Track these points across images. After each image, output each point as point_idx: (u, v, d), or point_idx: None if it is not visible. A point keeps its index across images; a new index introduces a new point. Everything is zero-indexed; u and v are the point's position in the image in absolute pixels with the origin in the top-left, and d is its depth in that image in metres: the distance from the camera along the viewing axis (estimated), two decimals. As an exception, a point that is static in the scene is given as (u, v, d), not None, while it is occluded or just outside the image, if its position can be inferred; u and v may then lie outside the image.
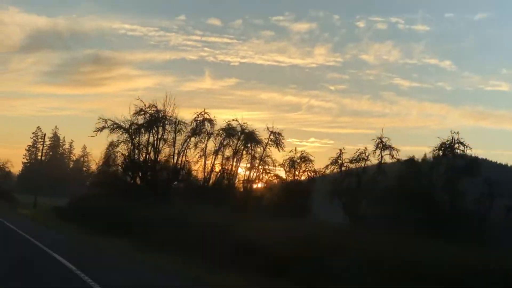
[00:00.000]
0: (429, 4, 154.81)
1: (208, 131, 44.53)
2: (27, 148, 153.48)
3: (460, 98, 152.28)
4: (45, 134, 75.98)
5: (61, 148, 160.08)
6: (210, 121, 43.80)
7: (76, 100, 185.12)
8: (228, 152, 44.50)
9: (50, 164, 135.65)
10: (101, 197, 41.97)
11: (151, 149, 43.87)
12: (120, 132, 44.31)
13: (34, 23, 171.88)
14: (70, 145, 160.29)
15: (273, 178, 43.49)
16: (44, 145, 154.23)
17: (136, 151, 44.33)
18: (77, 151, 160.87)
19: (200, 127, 43.96)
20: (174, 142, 43.78)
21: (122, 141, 44.43)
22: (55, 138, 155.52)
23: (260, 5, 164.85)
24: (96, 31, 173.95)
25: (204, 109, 43.77)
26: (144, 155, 44.46)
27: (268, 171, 43.13)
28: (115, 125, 44.20)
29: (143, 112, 43.51)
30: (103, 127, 44.22)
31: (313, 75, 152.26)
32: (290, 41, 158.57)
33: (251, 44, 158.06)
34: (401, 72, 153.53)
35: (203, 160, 44.65)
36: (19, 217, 42.50)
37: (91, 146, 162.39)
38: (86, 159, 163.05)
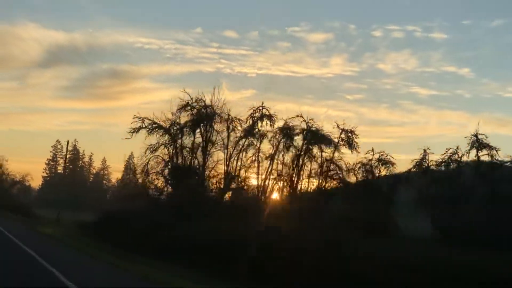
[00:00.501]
0: (446, 12, 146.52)
1: (262, 131, 35.94)
2: (46, 161, 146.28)
3: (479, 105, 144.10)
4: (68, 142, 67.17)
5: (80, 162, 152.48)
6: (270, 117, 35.19)
7: (94, 114, 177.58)
8: (289, 155, 35.90)
9: (71, 178, 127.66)
10: (137, 212, 33.38)
11: (198, 152, 35.31)
12: (160, 133, 35.91)
13: (52, 38, 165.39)
14: (90, 158, 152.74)
15: (346, 184, 34.73)
16: (65, 157, 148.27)
17: (179, 155, 35.80)
18: (96, 164, 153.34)
19: (255, 125, 35.37)
20: (227, 143, 35.24)
21: (162, 144, 36.01)
22: (75, 151, 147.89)
23: (276, 16, 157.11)
24: (112, 45, 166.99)
25: (263, 103, 35.24)
26: (189, 160, 35.92)
27: (341, 175, 34.41)
28: (153, 125, 35.81)
29: (189, 108, 34.94)
30: (140, 128, 35.86)
31: (330, 85, 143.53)
32: (306, 51, 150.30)
33: (267, 55, 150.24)
34: (419, 80, 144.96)
35: (257, 165, 36.14)
36: (42, 237, 33.65)
37: (111, 159, 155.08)
38: (106, 172, 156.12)
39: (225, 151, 35.28)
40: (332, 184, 34.75)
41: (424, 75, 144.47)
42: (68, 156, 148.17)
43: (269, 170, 36.10)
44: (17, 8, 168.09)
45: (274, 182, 36.64)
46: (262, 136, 36.09)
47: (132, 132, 35.76)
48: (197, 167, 35.37)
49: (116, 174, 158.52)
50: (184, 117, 35.82)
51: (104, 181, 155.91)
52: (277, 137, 36.05)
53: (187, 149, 35.50)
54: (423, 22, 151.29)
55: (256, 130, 35.05)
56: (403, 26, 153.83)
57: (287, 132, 35.97)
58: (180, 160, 35.79)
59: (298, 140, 36.08)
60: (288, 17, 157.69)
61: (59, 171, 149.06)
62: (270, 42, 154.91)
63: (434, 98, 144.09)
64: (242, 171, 35.18)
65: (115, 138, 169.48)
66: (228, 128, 35.02)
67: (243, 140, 35.32)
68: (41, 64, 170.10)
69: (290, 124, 35.85)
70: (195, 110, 34.82)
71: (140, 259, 21.90)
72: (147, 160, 35.55)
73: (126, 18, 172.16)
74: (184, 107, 34.76)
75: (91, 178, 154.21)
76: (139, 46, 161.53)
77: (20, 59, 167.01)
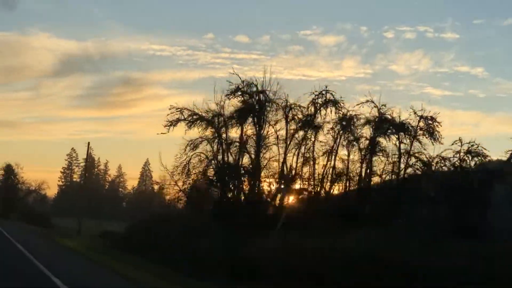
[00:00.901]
0: (457, 12, 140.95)
1: (318, 122, 29.30)
2: (62, 170, 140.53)
3: (493, 105, 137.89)
4: (88, 143, 60.12)
5: (96, 169, 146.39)
6: (335, 103, 28.56)
7: (108, 122, 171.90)
8: (354, 149, 29.26)
9: (87, 185, 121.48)
10: (183, 220, 26.88)
11: (251, 147, 28.74)
12: (203, 126, 29.38)
13: (64, 47, 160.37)
14: (105, 166, 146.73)
15: (429, 180, 28.04)
16: (80, 165, 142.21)
17: (226, 152, 29.22)
18: (112, 172, 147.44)
19: (317, 113, 28.74)
20: (286, 136, 28.60)
21: (205, 139, 29.45)
22: (90, 159, 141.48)
23: (288, 20, 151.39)
24: (125, 53, 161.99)
25: (326, 86, 28.61)
26: (237, 157, 29.32)
27: (424, 170, 27.73)
28: (194, 116, 29.31)
29: (240, 93, 28.35)
30: (178, 120, 29.39)
31: (342, 87, 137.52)
32: (318, 54, 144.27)
33: (279, 59, 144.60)
34: (432, 81, 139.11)
35: (312, 162, 29.49)
36: (65, 255, 26.76)
37: (126, 167, 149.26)
38: (122, 179, 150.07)
39: (283, 145, 28.65)
40: (412, 182, 28.01)
41: (437, 75, 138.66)
42: (83, 164, 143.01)
43: (327, 167, 29.53)
44: (29, 18, 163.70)
45: (335, 181, 30.10)
46: (317, 127, 29.41)
47: (169, 126, 29.33)
48: (249, 165, 28.79)
49: (131, 181, 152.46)
50: (230, 106, 29.28)
51: (120, 189, 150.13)
52: (337, 128, 29.50)
53: (236, 144, 28.90)
54: (434, 22, 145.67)
55: (319, 118, 28.55)
56: (415, 26, 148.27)
57: (348, 122, 29.38)
58: (227, 157, 29.22)
59: (364, 130, 29.56)
60: (299, 20, 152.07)
61: (74, 179, 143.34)
62: (281, 46, 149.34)
63: (448, 99, 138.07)
64: (305, 169, 28.57)
65: (129, 145, 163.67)
66: (286, 117, 28.38)
67: (301, 132, 28.75)
68: (54, 74, 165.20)
69: (354, 113, 29.31)
70: (247, 95, 28.19)
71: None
72: (188, 158, 29.03)
73: (138, 26, 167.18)
74: (233, 92, 28.12)
75: (107, 186, 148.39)
76: (151, 53, 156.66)
77: (33, 69, 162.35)
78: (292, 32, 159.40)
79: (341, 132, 29.59)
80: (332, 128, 29.58)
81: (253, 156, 28.30)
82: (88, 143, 58.05)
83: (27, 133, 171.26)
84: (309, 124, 28.77)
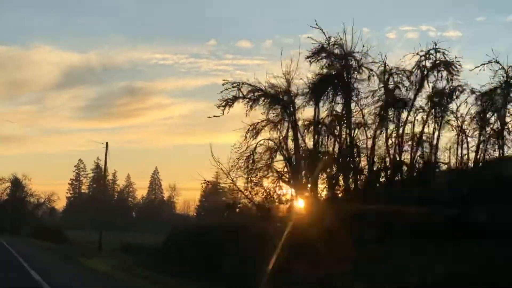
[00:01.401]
0: (459, 10, 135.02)
1: (407, 98, 21.38)
2: (70, 182, 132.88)
3: None
4: (107, 143, 51.22)
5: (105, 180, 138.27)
6: (448, 66, 20.61)
7: (113, 133, 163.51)
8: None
9: (98, 196, 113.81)
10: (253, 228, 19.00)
11: (338, 130, 20.86)
12: (267, 105, 21.54)
13: (67, 60, 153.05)
14: (114, 176, 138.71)
15: None
16: (88, 176, 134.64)
17: (303, 135, 21.37)
18: (120, 182, 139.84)
19: (422, 81, 20.89)
20: (384, 112, 20.67)
21: (271, 122, 21.59)
22: (98, 170, 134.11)
23: (289, 23, 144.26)
24: (127, 63, 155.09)
25: (435, 43, 20.62)
26: (313, 142, 21.46)
27: None
28: (256, 93, 21.49)
29: (324, 55, 20.42)
30: (235, 98, 21.55)
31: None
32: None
33: (283, 63, 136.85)
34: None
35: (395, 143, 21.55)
36: None
37: (134, 176, 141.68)
38: (131, 188, 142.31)
39: (374, 124, 20.83)
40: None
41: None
42: (91, 175, 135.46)
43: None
44: (31, 31, 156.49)
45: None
46: (407, 106, 21.44)
47: (223, 106, 21.48)
48: (334, 152, 20.95)
49: (139, 191, 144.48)
50: (299, 79, 21.41)
51: (130, 198, 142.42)
52: (429, 104, 21.70)
53: (320, 125, 20.94)
54: (437, 21, 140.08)
55: (428, 87, 20.70)
56: (417, 26, 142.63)
57: (449, 97, 21.59)
58: (299, 144, 21.37)
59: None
60: (301, 23, 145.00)
61: (83, 191, 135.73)
62: (284, 50, 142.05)
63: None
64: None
65: (136, 155, 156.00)
66: (385, 86, 20.48)
67: (404, 107, 20.91)
68: (58, 86, 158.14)
69: (457, 84, 21.43)
70: (333, 57, 20.25)
71: None
72: (252, 147, 21.18)
73: (139, 35, 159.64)
74: (317, 53, 20.16)
75: (115, 196, 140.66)
76: (154, 62, 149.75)
77: (37, 83, 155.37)
78: (294, 35, 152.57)
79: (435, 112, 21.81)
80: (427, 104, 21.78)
81: (344, 139, 20.41)
82: (107, 143, 49.66)
83: (32, 146, 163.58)
84: (415, 95, 20.89)
